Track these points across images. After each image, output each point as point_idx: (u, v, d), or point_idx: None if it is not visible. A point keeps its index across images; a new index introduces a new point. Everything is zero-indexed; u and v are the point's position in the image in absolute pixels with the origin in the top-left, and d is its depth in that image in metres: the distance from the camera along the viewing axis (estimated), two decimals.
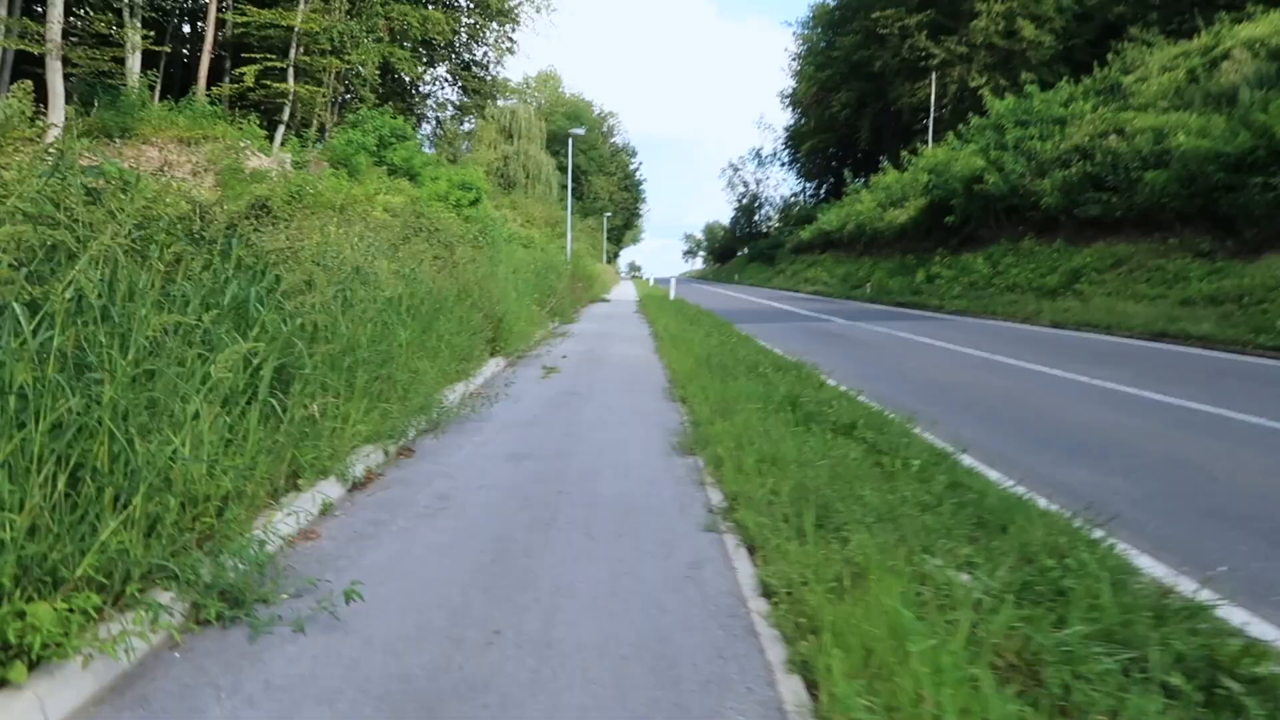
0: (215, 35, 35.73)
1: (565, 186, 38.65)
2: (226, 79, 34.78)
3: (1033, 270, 26.35)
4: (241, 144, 29.55)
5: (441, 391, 6.95)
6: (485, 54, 51.48)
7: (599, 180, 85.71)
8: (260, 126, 33.16)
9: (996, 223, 31.43)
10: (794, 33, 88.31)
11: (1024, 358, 13.15)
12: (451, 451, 5.91)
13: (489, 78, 52.25)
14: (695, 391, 7.65)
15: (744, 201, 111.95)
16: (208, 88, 33.66)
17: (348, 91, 43.24)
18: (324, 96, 40.24)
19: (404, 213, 20.00)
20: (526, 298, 13.75)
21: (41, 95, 23.68)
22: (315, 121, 40.84)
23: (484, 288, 10.38)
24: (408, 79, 48.18)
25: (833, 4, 75.94)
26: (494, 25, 49.98)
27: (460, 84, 53.06)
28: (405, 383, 6.10)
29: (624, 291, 43.87)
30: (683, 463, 5.68)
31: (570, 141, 39.29)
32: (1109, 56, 35.72)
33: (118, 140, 26.58)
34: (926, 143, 53.56)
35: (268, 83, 35.55)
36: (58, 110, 22.92)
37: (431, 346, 7.22)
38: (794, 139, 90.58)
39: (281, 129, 35.84)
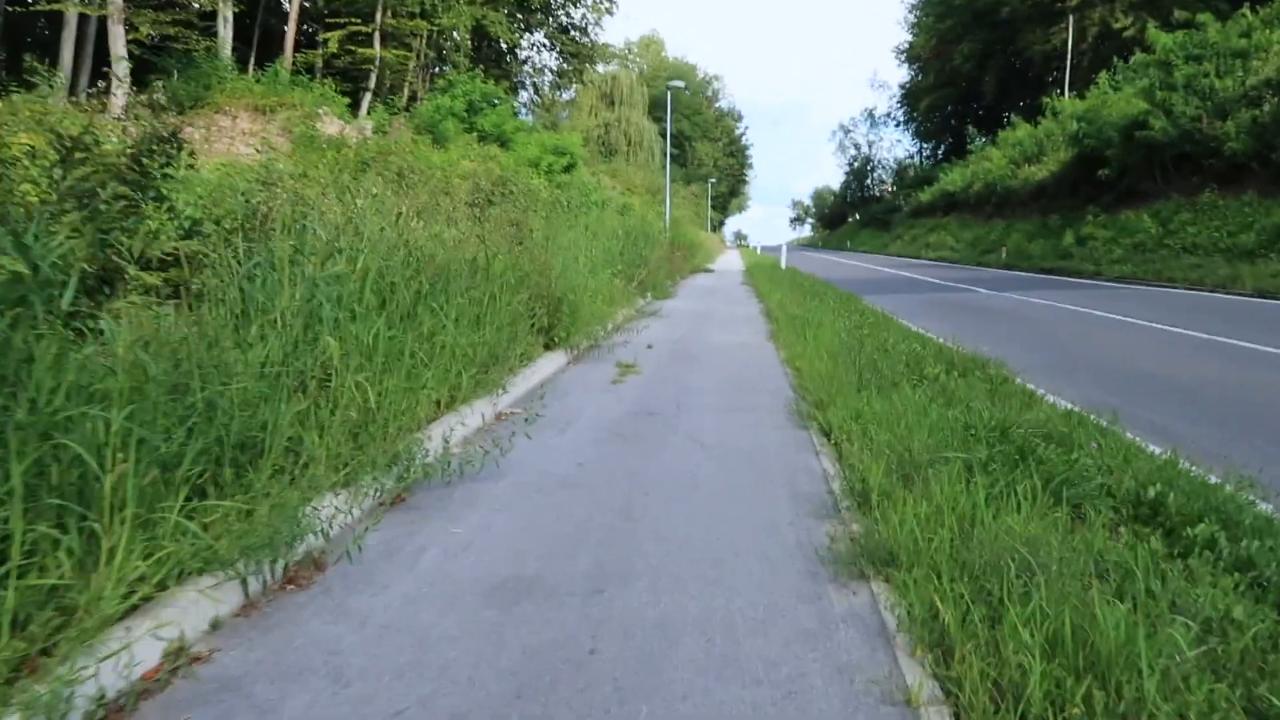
0: (301, 3, 34.23)
1: (665, 151, 35.74)
2: (315, 48, 33.14)
3: (1217, 228, 22.08)
4: (320, 110, 27.93)
5: (425, 429, 4.36)
6: (584, 16, 49.12)
7: (703, 146, 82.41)
8: (344, 94, 31.62)
9: (1163, 174, 26.98)
10: None
11: (1251, 337, 9.79)
12: (386, 573, 3.08)
13: (588, 41, 49.91)
14: (843, 416, 4.81)
15: (855, 165, 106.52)
16: (294, 57, 32.10)
17: (440, 58, 41.47)
18: (413, 62, 38.55)
19: (476, 176, 17.63)
20: (606, 271, 11.06)
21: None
22: (405, 88, 39.25)
23: (537, 259, 7.72)
24: (504, 44, 46.22)
25: None
26: None
27: (558, 49, 50.96)
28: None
29: (729, 261, 40.62)
30: (858, 634, 2.67)
31: (669, 96, 36.25)
32: None
33: (189, 110, 25.22)
34: (1061, 93, 48.15)
35: (353, 49, 33.94)
36: (121, 84, 21.36)
37: (422, 351, 4.60)
38: (910, 97, 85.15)
39: (368, 96, 34.19)
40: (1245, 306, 14.32)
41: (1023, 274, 27.33)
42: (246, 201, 7.86)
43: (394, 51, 34.86)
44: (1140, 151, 27.59)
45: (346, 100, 30.47)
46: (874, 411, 4.77)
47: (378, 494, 3.57)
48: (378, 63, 33.95)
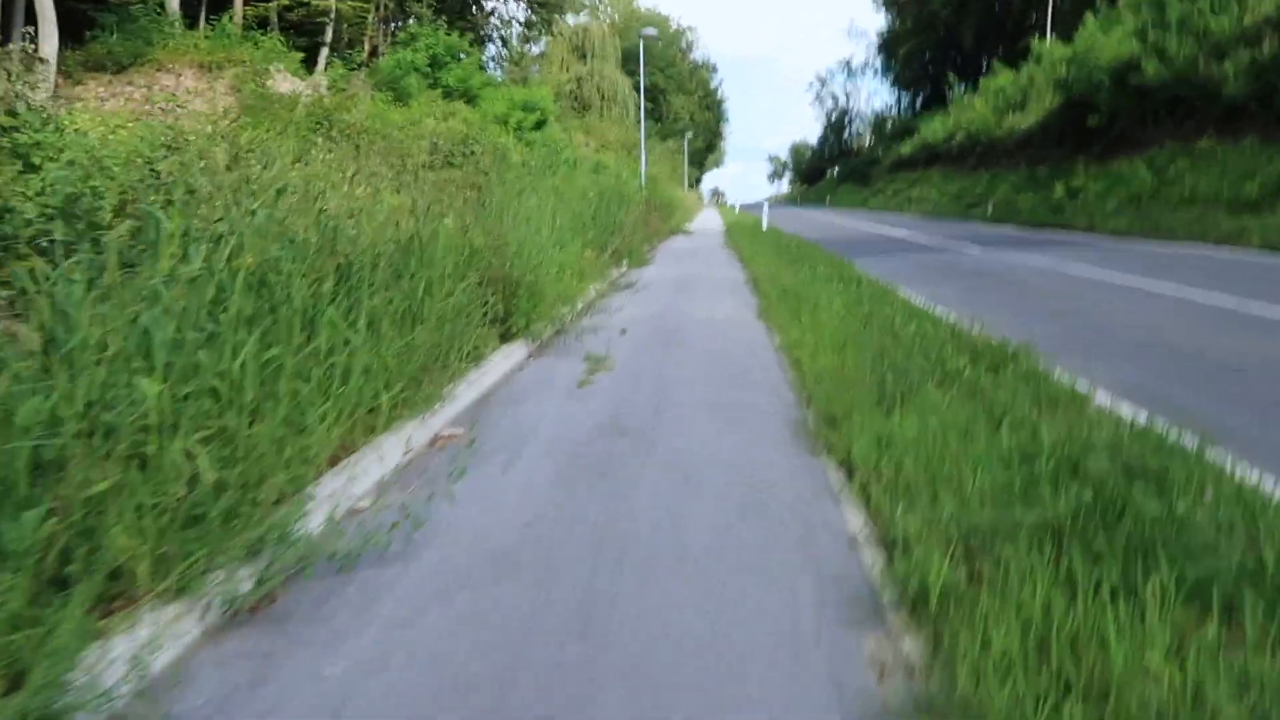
0: None
1: (640, 105, 34.28)
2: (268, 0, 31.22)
3: (1216, 177, 21.11)
4: (272, 67, 26.36)
5: (320, 481, 3.27)
6: None
7: (678, 99, 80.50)
8: (299, 50, 29.97)
9: (1155, 121, 26.01)
10: None
11: None
12: None
13: None
14: (865, 443, 3.75)
15: (833, 118, 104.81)
16: (244, 11, 30.22)
17: (401, 9, 39.59)
18: (372, 14, 36.73)
19: (436, 135, 16.32)
20: (576, 241, 9.92)
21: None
22: (366, 42, 37.47)
23: (492, 233, 6.58)
24: None
25: None
26: None
27: None
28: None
29: (708, 220, 39.29)
30: None
31: (642, 46, 34.70)
32: None
33: (128, 68, 23.64)
34: (1043, 37, 46.83)
35: (307, 0, 32.15)
36: (49, 39, 19.69)
37: (319, 373, 3.48)
38: (888, 44, 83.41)
39: (324, 51, 32.42)
40: (1262, 268, 13.39)
41: (1014, 230, 26.32)
42: (152, 171, 6.68)
43: (351, 3, 33.09)
44: (1131, 96, 26.59)
45: (301, 56, 28.83)
46: (904, 436, 3.73)
47: (226, 604, 2.47)
48: (333, 15, 32.20)
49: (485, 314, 6.00)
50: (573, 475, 3.91)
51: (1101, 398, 4.81)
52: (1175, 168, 23.16)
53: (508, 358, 6.22)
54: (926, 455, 3.48)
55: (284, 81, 25.38)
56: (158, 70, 24.16)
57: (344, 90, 26.06)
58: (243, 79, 23.59)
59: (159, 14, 23.46)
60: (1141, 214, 21.96)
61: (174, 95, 21.70)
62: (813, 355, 5.77)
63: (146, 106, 22.44)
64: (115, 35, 24.02)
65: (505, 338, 6.52)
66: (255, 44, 26.37)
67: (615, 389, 5.64)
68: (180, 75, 23.84)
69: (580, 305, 8.99)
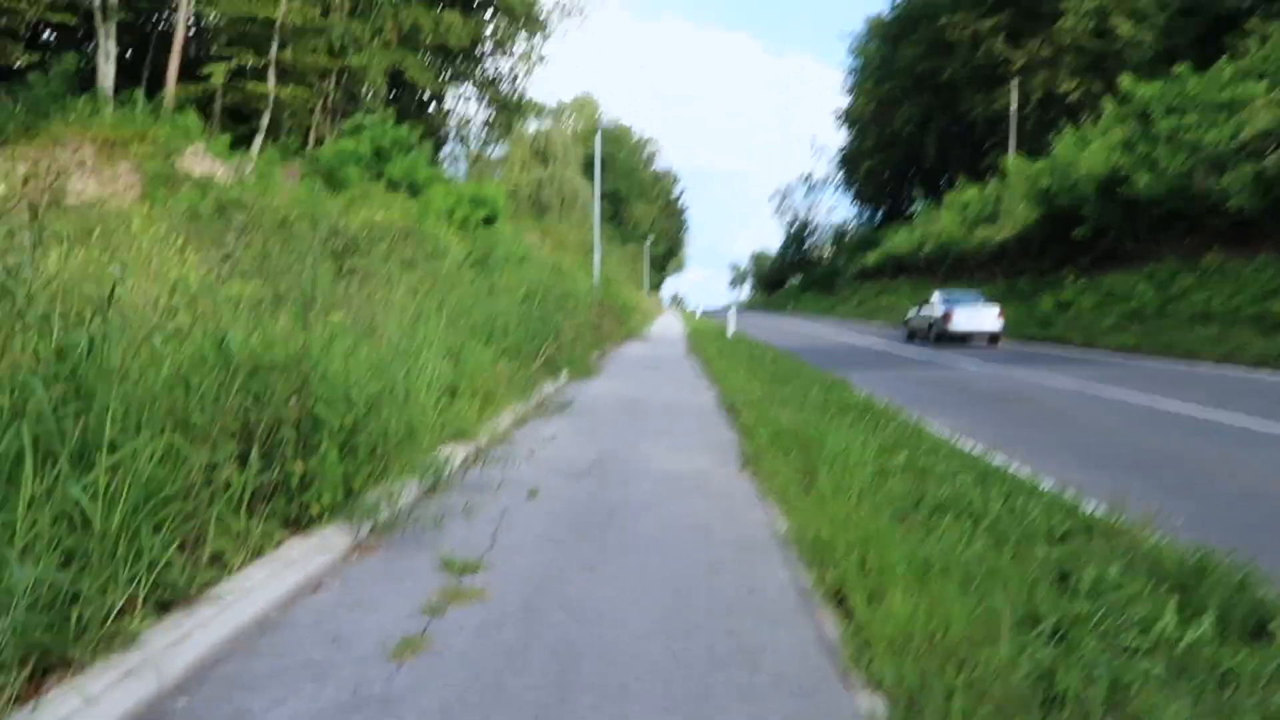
0: (187, 29, 30.20)
1: (596, 196, 32.27)
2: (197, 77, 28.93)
3: (1230, 294, 19.15)
4: (189, 148, 23.84)
5: None
6: (512, 67, 46.11)
7: (640, 206, 79.80)
8: (235, 134, 27.73)
9: (1151, 234, 24.32)
10: (849, 48, 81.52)
11: None
12: None
13: (516, 94, 46.87)
14: None
15: (794, 229, 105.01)
16: (176, 91, 27.86)
17: (351, 100, 37.68)
18: (317, 102, 34.74)
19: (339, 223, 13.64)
20: (485, 350, 7.06)
21: None
22: (311, 129, 35.37)
23: (293, 345, 3.72)
24: (427, 92, 42.78)
25: (890, 17, 70.06)
26: (521, 33, 44.58)
27: (486, 98, 47.87)
28: None
29: (668, 325, 36.61)
30: None
31: (599, 136, 32.94)
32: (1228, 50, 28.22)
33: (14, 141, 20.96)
34: (1006, 154, 46.31)
35: (244, 83, 29.98)
36: None
37: None
38: (848, 160, 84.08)
39: (259, 137, 30.04)
40: None
41: (1001, 343, 24.16)
42: None
43: (293, 89, 30.96)
44: (1122, 209, 24.96)
45: (228, 137, 26.43)
46: None
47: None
48: (271, 100, 29.98)
49: (233, 489, 3.06)
50: None
51: None
52: (1179, 284, 21.27)
53: (279, 574, 3.22)
54: None
55: (200, 162, 22.83)
56: (54, 144, 21.49)
57: (263, 177, 23.58)
58: (148, 157, 21.02)
59: (49, 83, 20.92)
60: (1147, 330, 19.87)
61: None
62: (865, 577, 2.91)
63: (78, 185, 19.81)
64: (16, 106, 21.54)
65: (299, 523, 3.56)
66: (173, 123, 23.86)
67: (470, 666, 2.69)
68: (78, 150, 21.16)
69: (483, 439, 6.09)
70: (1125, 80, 27.70)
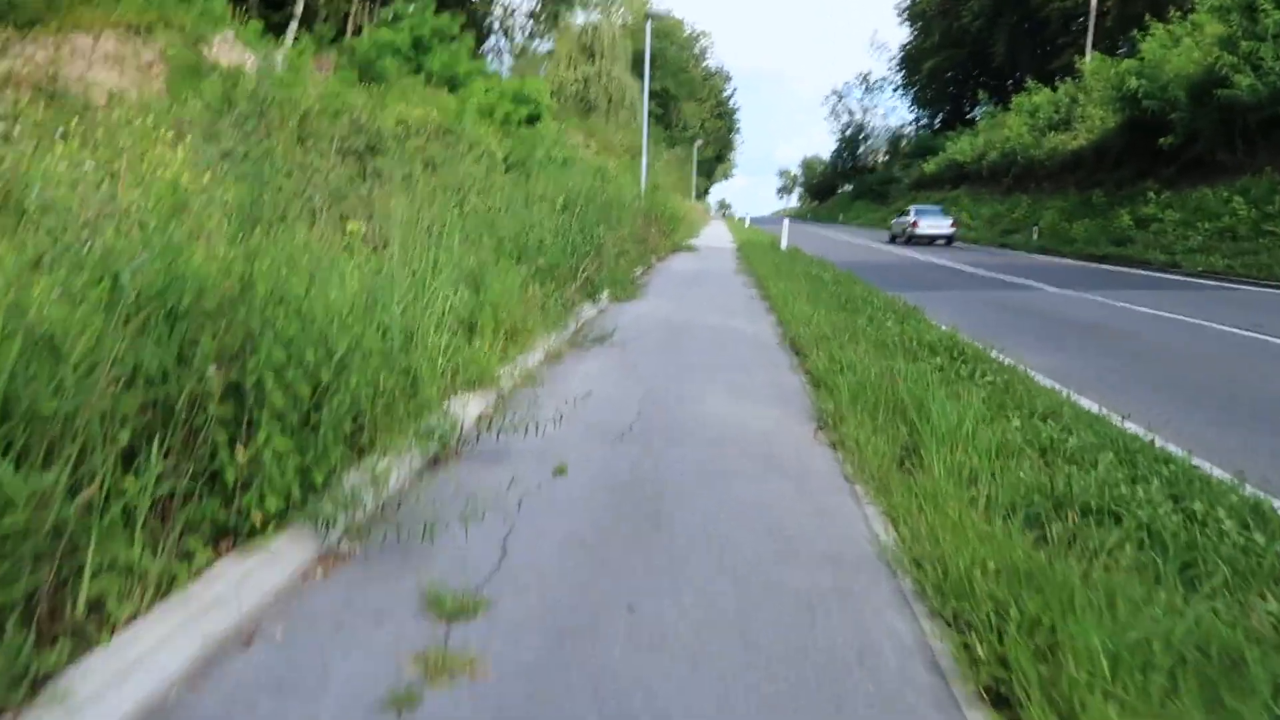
0: None
1: (644, 93, 30.51)
2: None
3: None
4: (216, 36, 22.68)
5: None
6: None
7: (689, 106, 76.86)
8: (269, 21, 26.56)
9: (1247, 143, 22.20)
10: None
11: None
12: None
13: None
14: None
15: (848, 134, 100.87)
16: None
17: None
18: None
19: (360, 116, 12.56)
20: (511, 273, 6.09)
21: None
22: (350, 19, 33.93)
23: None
24: None
25: None
26: None
27: None
28: None
29: (715, 236, 35.02)
30: None
31: (649, 26, 31.05)
32: None
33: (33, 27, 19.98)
34: (1082, 54, 42.98)
35: None
36: None
37: None
38: (911, 59, 79.71)
39: (293, 24, 28.74)
40: None
41: (1070, 261, 22.61)
42: None
43: None
44: (1214, 114, 22.79)
45: (261, 26, 25.19)
46: None
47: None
48: None
49: (127, 498, 2.18)
50: None
51: None
52: (1279, 200, 19.34)
53: (187, 626, 2.25)
54: None
55: (229, 52, 21.71)
56: (73, 30, 20.47)
57: (298, 69, 22.36)
58: (173, 45, 19.95)
59: None
60: (1240, 251, 18.20)
61: None
62: (1039, 661, 1.98)
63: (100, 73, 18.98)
64: None
65: (241, 533, 2.66)
66: (202, 6, 22.64)
67: None
68: (99, 37, 20.11)
69: (506, 385, 5.19)
70: None
